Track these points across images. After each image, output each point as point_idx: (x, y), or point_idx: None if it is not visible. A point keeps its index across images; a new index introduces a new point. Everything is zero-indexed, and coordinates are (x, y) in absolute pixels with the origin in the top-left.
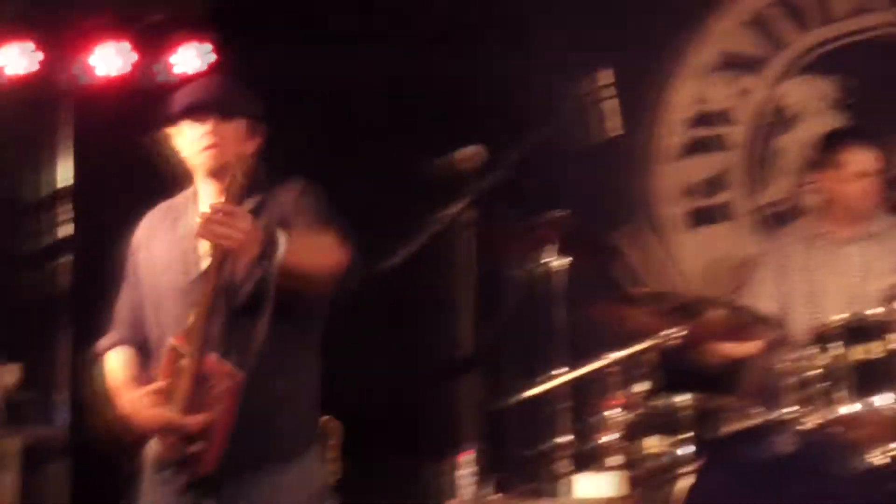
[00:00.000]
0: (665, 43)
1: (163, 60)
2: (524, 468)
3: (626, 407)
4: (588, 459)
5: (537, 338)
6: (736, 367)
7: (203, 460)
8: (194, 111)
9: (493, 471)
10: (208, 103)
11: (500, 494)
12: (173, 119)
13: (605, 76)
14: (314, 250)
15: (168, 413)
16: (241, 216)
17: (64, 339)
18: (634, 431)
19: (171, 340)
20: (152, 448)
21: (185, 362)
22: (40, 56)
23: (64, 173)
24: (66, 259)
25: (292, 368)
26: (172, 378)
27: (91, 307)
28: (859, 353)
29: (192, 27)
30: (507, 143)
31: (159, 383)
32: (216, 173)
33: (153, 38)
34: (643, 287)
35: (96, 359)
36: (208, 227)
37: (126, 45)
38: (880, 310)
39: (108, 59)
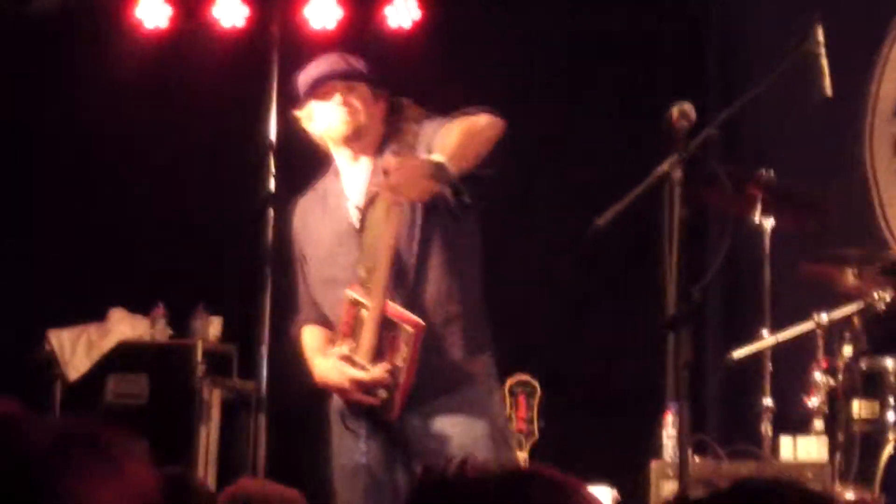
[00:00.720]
0: (881, 1)
1: (372, 15)
2: (728, 429)
3: (832, 370)
4: (792, 422)
5: (744, 298)
6: None
7: (390, 408)
8: (319, 86)
9: (697, 431)
10: (330, 75)
11: (703, 455)
12: (301, 100)
13: (819, 34)
14: (466, 127)
15: (355, 373)
16: (412, 161)
17: (265, 295)
18: (840, 395)
19: (349, 293)
20: (338, 401)
21: (365, 312)
22: (247, 10)
23: (270, 129)
24: (270, 215)
25: (456, 295)
26: (354, 329)
27: (291, 264)
28: None
29: None
30: (723, 99)
31: (343, 347)
32: (351, 139)
33: None
34: (852, 248)
35: (294, 340)
36: (392, 185)
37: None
38: None
39: (319, 14)
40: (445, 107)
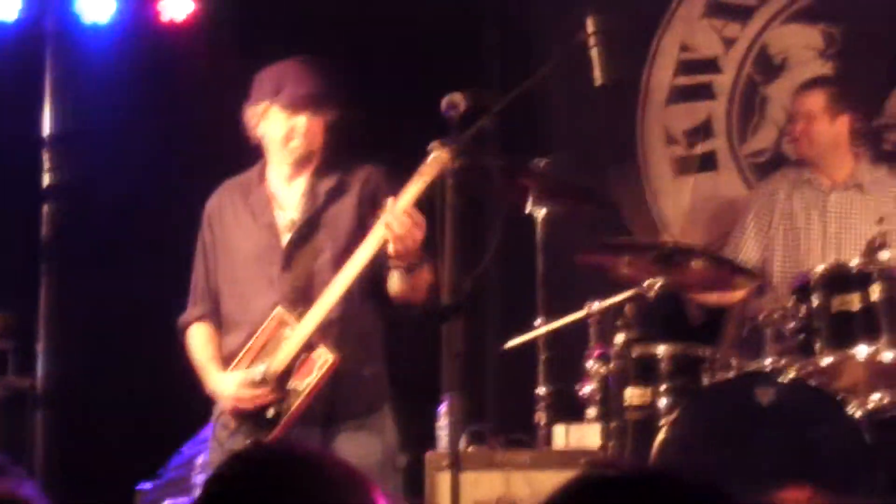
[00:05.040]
0: None
1: (146, 8)
2: (506, 419)
3: (605, 358)
4: (567, 410)
5: (521, 287)
6: (717, 317)
7: (272, 427)
8: (288, 101)
9: (476, 421)
10: (305, 99)
11: (479, 444)
12: (260, 101)
13: (592, 23)
14: (421, 285)
15: (250, 395)
16: (420, 221)
17: (44, 289)
18: (614, 382)
19: (281, 311)
20: (223, 410)
21: (289, 332)
22: (20, 3)
23: (48, 121)
24: (49, 207)
25: (372, 339)
26: (270, 345)
27: (71, 257)
28: (839, 303)
29: None
30: (500, 88)
31: (256, 370)
32: (300, 161)
33: None
34: (626, 236)
35: (182, 332)
36: (397, 224)
37: None
38: (860, 261)
39: (92, 7)
40: (222, 100)
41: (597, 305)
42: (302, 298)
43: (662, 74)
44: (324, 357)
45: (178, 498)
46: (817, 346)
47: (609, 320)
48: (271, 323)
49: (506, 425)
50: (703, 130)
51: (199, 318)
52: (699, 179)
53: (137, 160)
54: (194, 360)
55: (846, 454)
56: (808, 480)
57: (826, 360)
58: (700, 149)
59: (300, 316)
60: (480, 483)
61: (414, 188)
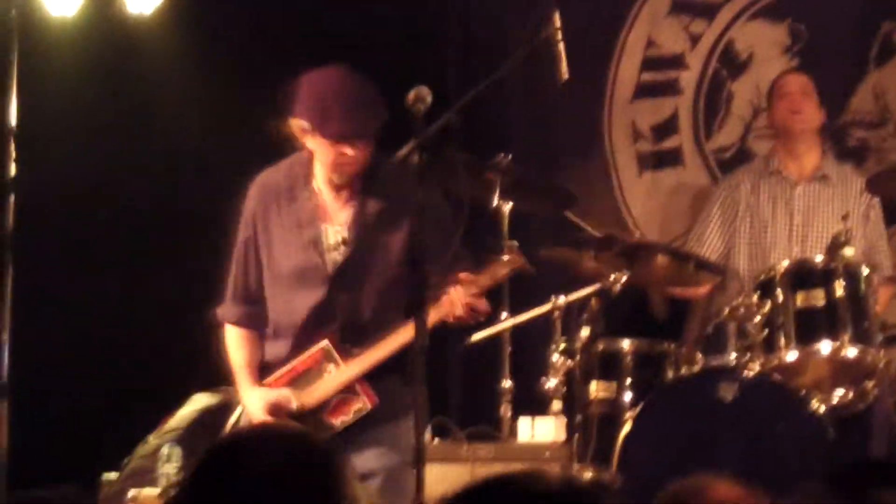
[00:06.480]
0: None
1: (112, 1)
2: (469, 412)
3: (569, 352)
4: (531, 404)
5: None
6: (681, 312)
7: None
8: (337, 139)
9: (438, 414)
10: (351, 134)
11: (443, 437)
12: (305, 120)
13: (556, 19)
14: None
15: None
16: (484, 308)
17: (10, 280)
18: (578, 376)
19: (328, 345)
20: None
21: (333, 370)
22: None
23: (11, 114)
24: (14, 198)
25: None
26: (308, 375)
27: (33, 248)
28: (803, 299)
29: None
30: (464, 86)
31: (282, 393)
32: (340, 186)
33: None
34: (591, 231)
35: (218, 325)
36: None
37: None
38: (825, 257)
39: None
40: (193, 90)
41: (562, 300)
42: (350, 327)
43: (628, 71)
44: (362, 403)
45: (142, 488)
46: (781, 341)
47: (574, 315)
48: (316, 353)
49: (470, 419)
50: (668, 126)
51: (235, 321)
52: (665, 175)
53: (103, 152)
54: (228, 361)
55: (809, 450)
56: (770, 476)
57: (790, 356)
58: (666, 145)
59: (346, 354)
60: (445, 476)
61: (484, 281)
